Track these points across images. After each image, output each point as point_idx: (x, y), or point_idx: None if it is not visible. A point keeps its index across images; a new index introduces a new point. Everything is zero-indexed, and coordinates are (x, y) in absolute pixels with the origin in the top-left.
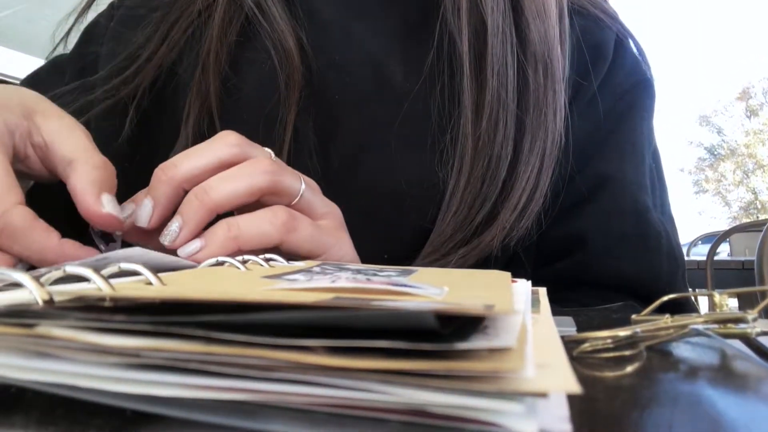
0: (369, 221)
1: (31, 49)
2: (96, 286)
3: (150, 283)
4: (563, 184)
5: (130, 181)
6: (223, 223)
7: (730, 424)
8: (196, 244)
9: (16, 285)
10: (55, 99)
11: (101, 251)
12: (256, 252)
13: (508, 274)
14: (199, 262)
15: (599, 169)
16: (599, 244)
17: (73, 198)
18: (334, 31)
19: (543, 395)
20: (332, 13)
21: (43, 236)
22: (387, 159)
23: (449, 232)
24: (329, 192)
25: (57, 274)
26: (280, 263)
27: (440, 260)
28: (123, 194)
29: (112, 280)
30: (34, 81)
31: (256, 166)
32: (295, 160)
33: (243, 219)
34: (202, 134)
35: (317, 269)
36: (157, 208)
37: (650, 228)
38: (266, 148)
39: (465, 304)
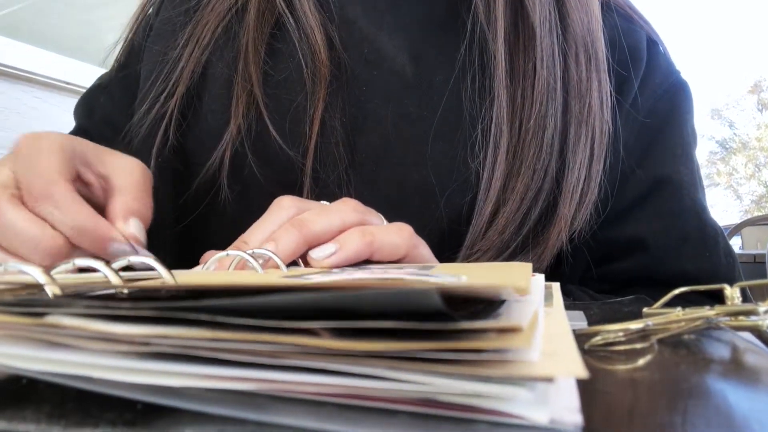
0: (398, 214)
1: (42, 42)
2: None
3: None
4: (617, 179)
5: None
6: (357, 230)
7: (742, 416)
8: (330, 248)
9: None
10: (108, 119)
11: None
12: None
13: (529, 266)
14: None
15: (655, 171)
16: (661, 246)
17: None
18: (363, 25)
19: (549, 379)
20: (362, 6)
21: (87, 212)
22: (415, 151)
23: (500, 226)
24: (357, 183)
25: (66, 267)
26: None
27: (494, 256)
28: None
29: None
30: (89, 104)
31: (348, 205)
32: (322, 152)
33: (375, 228)
34: (250, 125)
35: (336, 270)
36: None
37: (708, 227)
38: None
39: (473, 283)
